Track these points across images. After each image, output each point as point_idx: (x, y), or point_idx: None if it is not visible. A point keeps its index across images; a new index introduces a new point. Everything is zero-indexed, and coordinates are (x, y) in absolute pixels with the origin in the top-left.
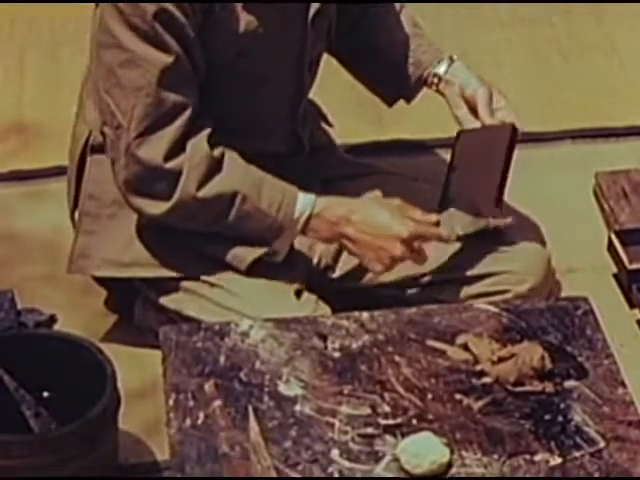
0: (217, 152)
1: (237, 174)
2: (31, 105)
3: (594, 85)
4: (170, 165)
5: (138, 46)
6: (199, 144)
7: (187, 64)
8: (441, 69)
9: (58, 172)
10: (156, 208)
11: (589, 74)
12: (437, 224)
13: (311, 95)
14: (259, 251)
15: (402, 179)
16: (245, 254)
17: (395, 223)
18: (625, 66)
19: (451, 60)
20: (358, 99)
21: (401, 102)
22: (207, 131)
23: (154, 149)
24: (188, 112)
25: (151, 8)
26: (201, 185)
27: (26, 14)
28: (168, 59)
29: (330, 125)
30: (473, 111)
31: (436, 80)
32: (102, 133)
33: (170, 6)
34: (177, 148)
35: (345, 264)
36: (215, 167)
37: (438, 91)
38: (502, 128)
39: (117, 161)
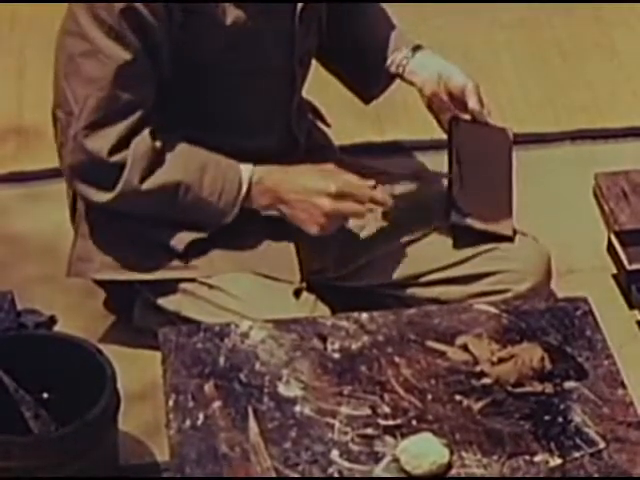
0: (159, 144)
1: (180, 164)
2: (30, 106)
3: (594, 85)
4: (114, 159)
5: (100, 39)
6: (142, 138)
7: (148, 64)
8: (409, 53)
9: (57, 173)
10: (99, 197)
11: (589, 74)
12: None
13: (308, 95)
14: (197, 234)
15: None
16: (184, 236)
17: (322, 180)
18: (625, 66)
19: (419, 47)
20: (356, 100)
21: (399, 103)
22: (150, 127)
23: (100, 142)
24: (140, 112)
25: (119, 4)
26: (144, 178)
27: (26, 14)
28: (128, 56)
29: (328, 125)
30: (458, 103)
31: (405, 62)
32: (54, 115)
33: (139, 5)
34: (123, 144)
35: (345, 263)
36: (158, 159)
37: (403, 77)
38: (500, 132)
39: (64, 145)
